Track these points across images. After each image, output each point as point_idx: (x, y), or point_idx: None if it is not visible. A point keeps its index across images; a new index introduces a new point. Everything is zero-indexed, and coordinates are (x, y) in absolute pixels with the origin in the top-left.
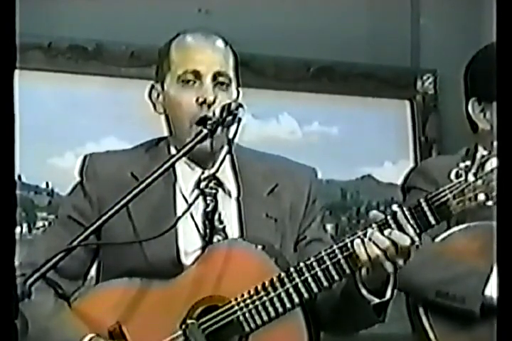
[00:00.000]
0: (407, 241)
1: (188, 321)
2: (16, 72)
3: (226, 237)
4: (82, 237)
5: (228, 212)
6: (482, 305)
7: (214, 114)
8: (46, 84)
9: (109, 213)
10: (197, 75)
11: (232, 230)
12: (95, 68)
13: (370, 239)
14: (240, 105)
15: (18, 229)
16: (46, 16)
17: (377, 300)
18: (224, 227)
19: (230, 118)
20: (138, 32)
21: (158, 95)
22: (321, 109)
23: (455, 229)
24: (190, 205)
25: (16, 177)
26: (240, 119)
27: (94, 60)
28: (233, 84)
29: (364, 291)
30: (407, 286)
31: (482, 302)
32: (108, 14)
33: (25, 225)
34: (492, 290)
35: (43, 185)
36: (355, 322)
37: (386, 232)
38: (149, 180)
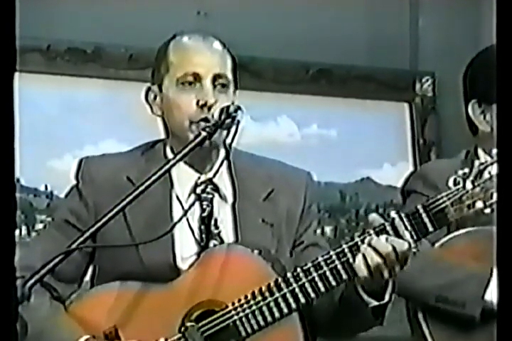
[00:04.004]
0: (405, 246)
1: (188, 324)
2: (15, 74)
3: (222, 242)
4: (80, 240)
5: (224, 217)
6: (482, 309)
7: (213, 116)
8: (45, 86)
9: (107, 217)
10: (196, 77)
11: (228, 235)
12: (94, 71)
13: (369, 245)
14: (239, 108)
15: (17, 232)
16: (45, 19)
17: (375, 303)
18: (219, 232)
19: (228, 120)
20: (137, 34)
21: (155, 97)
22: (319, 111)
23: (455, 233)
24: (186, 211)
25: (15, 180)
26: (238, 122)
27: (93, 63)
28: (231, 86)
29: (363, 294)
30: (407, 292)
31: (482, 306)
32: (107, 17)
33: (24, 228)
34: (492, 294)
35: (42, 188)
36: (353, 325)
37: (383, 238)
38: (148, 182)
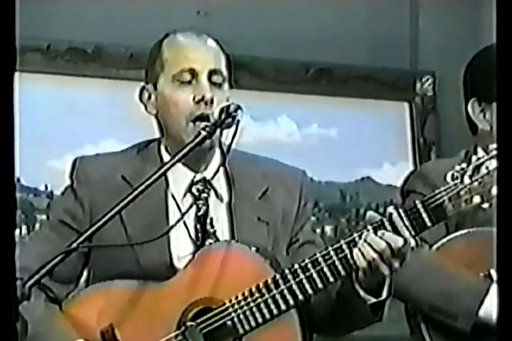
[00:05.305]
0: (400, 242)
1: (188, 323)
2: (15, 74)
3: (218, 241)
4: (78, 242)
5: (220, 216)
6: (474, 324)
7: (212, 113)
8: (45, 86)
9: (106, 218)
10: (193, 73)
11: (224, 234)
12: (94, 70)
13: (365, 241)
14: (239, 107)
15: (17, 232)
16: (45, 18)
17: (373, 300)
18: (215, 231)
19: (228, 120)
20: (137, 34)
21: (149, 96)
22: (320, 111)
23: (454, 234)
24: (183, 214)
25: (15, 180)
26: (238, 121)
27: (93, 62)
28: (226, 83)
29: (360, 291)
30: (403, 296)
31: (474, 321)
32: (107, 16)
33: (24, 227)
34: (486, 311)
35: (42, 188)
36: (351, 322)
37: (379, 233)
38: (149, 181)
